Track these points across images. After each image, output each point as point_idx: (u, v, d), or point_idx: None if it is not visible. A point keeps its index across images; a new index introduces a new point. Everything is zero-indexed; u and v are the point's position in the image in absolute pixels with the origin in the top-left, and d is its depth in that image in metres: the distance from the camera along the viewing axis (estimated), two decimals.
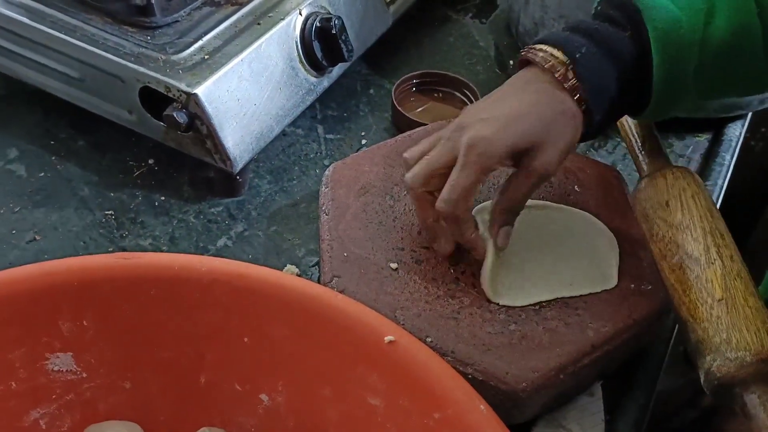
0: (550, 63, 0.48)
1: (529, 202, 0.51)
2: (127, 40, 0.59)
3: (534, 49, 0.50)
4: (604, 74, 0.48)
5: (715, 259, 0.45)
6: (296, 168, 0.65)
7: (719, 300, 0.43)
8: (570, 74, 0.48)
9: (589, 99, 0.48)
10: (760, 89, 0.60)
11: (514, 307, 0.49)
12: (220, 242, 0.59)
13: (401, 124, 0.68)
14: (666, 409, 0.57)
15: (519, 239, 0.51)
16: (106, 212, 0.60)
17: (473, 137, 0.47)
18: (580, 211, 0.55)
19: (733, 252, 0.46)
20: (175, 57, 0.58)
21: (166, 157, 0.64)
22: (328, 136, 0.68)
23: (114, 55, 0.57)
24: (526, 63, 0.50)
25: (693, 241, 0.46)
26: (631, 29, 0.48)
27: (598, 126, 0.50)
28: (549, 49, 0.49)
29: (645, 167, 0.54)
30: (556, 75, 0.48)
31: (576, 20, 0.51)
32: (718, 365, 0.41)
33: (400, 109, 0.68)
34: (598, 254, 0.53)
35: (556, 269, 0.51)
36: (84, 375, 0.44)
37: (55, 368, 0.44)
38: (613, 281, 0.51)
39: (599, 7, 0.51)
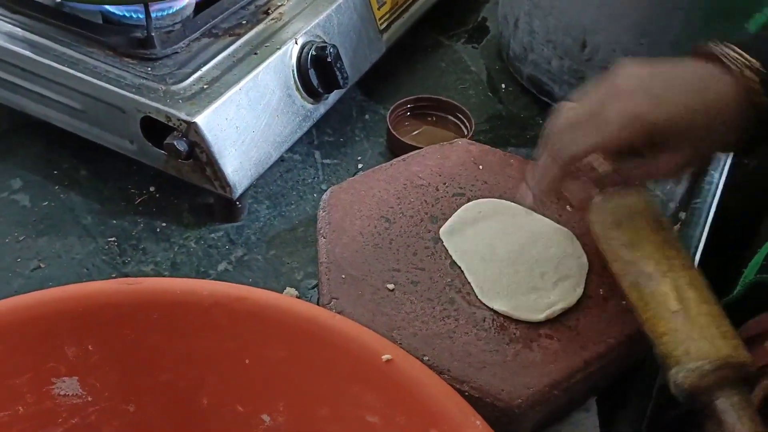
0: (740, 69, 0.44)
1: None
2: (128, 71, 0.60)
3: (722, 45, 0.45)
4: None
5: (666, 272, 0.46)
6: (294, 193, 0.67)
7: (675, 312, 0.44)
8: (762, 89, 0.44)
9: None
10: None
11: (508, 326, 0.50)
12: (221, 267, 0.60)
13: (396, 149, 0.69)
14: (661, 400, 0.58)
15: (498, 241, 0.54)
16: (109, 239, 0.61)
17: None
18: (559, 225, 0.57)
19: (684, 261, 0.48)
20: (174, 87, 0.59)
21: (167, 185, 0.65)
22: (324, 161, 0.70)
23: (115, 86, 0.59)
24: (704, 57, 0.46)
25: (645, 258, 0.47)
26: None
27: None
28: (743, 53, 0.44)
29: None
30: (749, 83, 0.44)
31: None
32: (682, 377, 0.43)
33: (394, 133, 0.69)
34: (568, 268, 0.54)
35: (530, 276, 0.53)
36: (89, 399, 0.45)
37: (61, 392, 0.45)
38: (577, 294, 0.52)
39: None
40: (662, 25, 0.67)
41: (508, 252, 0.54)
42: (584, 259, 0.55)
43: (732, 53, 0.45)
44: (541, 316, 0.50)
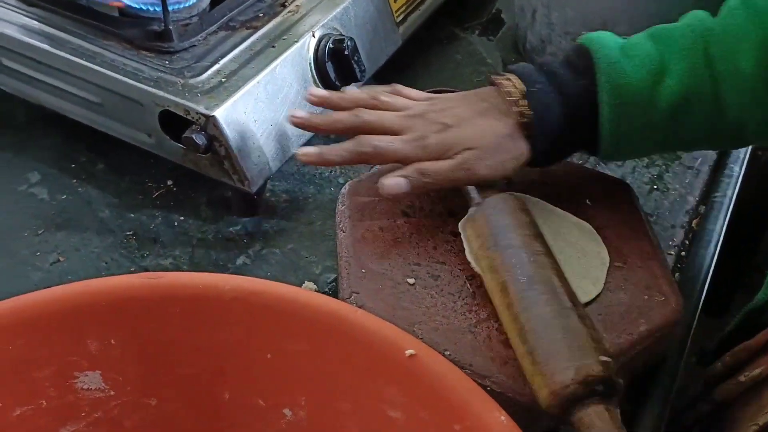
0: (507, 89, 0.54)
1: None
2: (145, 65, 0.60)
3: (502, 76, 0.56)
4: (551, 110, 0.53)
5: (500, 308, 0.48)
6: (311, 187, 0.66)
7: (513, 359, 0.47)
8: (522, 102, 0.54)
9: (534, 128, 0.53)
10: (721, 146, 0.66)
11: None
12: (239, 260, 0.60)
13: None
14: (678, 404, 0.57)
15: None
16: (127, 233, 0.61)
17: (469, 160, 0.53)
18: (578, 219, 0.57)
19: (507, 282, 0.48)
20: (193, 81, 0.59)
21: (184, 179, 0.65)
22: None
23: (133, 79, 0.59)
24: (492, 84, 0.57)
25: (491, 292, 0.50)
26: (585, 78, 0.53)
27: (545, 155, 0.55)
28: (513, 78, 0.55)
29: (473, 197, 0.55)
30: (510, 98, 0.54)
31: (546, 59, 0.56)
32: (541, 401, 0.43)
33: None
34: (588, 263, 0.54)
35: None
36: (111, 393, 0.45)
37: (84, 386, 0.45)
38: (597, 289, 0.52)
39: (569, 52, 0.56)
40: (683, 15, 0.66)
41: None
42: (605, 253, 0.54)
43: (505, 82, 0.55)
44: None
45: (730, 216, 0.67)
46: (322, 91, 0.60)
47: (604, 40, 0.54)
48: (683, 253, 0.63)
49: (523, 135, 0.54)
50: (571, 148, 0.57)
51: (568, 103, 0.53)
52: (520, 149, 0.54)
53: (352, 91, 0.60)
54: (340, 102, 0.58)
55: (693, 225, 0.65)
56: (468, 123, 0.54)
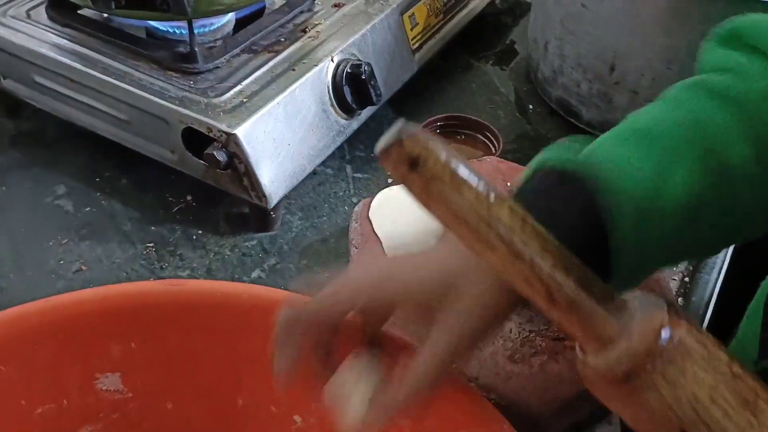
0: None
1: None
2: (171, 84, 0.63)
3: None
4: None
5: None
6: (326, 205, 0.69)
7: None
8: None
9: None
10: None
11: (533, 338, 0.51)
12: (254, 274, 0.62)
13: None
14: None
15: None
16: (147, 245, 0.64)
17: None
18: None
19: None
20: (216, 100, 0.62)
21: (204, 195, 0.68)
22: (356, 175, 0.72)
23: (160, 98, 0.62)
24: None
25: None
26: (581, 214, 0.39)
27: None
28: None
29: None
30: None
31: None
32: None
33: None
34: None
35: None
36: (130, 395, 0.47)
37: (104, 388, 0.47)
38: None
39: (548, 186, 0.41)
40: (693, 50, 0.68)
41: None
42: None
43: None
44: None
45: (732, 256, 0.68)
46: None
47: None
48: (686, 279, 0.64)
49: None
50: None
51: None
52: None
53: None
54: None
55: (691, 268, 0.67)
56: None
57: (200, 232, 0.65)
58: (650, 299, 0.34)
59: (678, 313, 0.34)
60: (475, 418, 0.41)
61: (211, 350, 0.47)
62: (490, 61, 0.89)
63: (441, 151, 0.32)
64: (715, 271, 0.65)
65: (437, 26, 0.81)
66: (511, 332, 0.52)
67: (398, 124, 0.32)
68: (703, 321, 0.61)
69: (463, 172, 0.33)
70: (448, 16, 0.83)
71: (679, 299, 0.62)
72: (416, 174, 0.32)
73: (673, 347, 0.33)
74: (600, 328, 0.34)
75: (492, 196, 0.33)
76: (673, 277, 0.63)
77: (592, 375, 0.35)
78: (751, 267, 0.53)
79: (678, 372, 0.33)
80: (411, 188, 0.33)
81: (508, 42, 0.92)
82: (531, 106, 0.82)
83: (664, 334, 0.33)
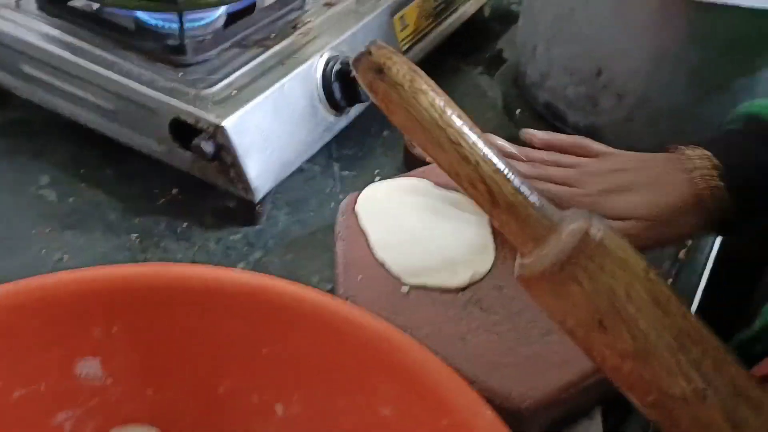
0: (693, 160, 0.53)
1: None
2: (160, 75, 0.63)
3: (685, 147, 0.54)
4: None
5: None
6: (313, 201, 0.68)
7: None
8: (711, 174, 0.52)
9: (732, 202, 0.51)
10: None
11: (520, 330, 0.52)
12: (239, 267, 0.62)
13: (412, 166, 0.71)
14: None
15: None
16: (132, 236, 0.63)
17: (632, 230, 0.52)
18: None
19: None
20: (204, 92, 0.62)
21: (190, 187, 0.67)
22: (343, 173, 0.72)
23: (148, 88, 0.61)
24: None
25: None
26: None
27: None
28: (700, 151, 0.53)
29: None
30: (695, 170, 0.52)
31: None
32: None
33: (411, 150, 0.71)
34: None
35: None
36: (109, 380, 0.46)
37: (83, 373, 0.46)
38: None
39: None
40: (680, 54, 0.69)
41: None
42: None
43: (692, 154, 0.53)
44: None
45: (720, 246, 0.69)
46: (543, 134, 0.64)
47: None
48: (669, 281, 0.64)
49: (698, 210, 0.52)
50: None
51: None
52: (689, 225, 0.53)
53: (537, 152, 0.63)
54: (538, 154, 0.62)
55: (680, 256, 0.67)
56: (641, 189, 0.53)
57: (185, 224, 0.65)
58: (581, 212, 0.40)
59: (602, 222, 0.39)
60: (457, 403, 0.41)
61: (193, 336, 0.46)
62: (479, 67, 0.89)
63: (403, 62, 0.39)
64: (695, 276, 0.65)
65: (427, 29, 0.81)
66: (496, 325, 0.52)
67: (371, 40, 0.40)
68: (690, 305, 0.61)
69: (419, 81, 0.39)
70: (438, 20, 0.83)
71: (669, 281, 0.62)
72: (380, 80, 0.39)
73: (594, 246, 0.37)
74: (535, 228, 0.39)
75: (443, 102, 0.39)
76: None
77: (528, 274, 0.40)
78: (739, 256, 0.54)
79: (597, 267, 0.37)
80: (376, 93, 0.40)
81: (497, 50, 0.92)
82: (518, 110, 0.82)
83: (589, 233, 0.38)
